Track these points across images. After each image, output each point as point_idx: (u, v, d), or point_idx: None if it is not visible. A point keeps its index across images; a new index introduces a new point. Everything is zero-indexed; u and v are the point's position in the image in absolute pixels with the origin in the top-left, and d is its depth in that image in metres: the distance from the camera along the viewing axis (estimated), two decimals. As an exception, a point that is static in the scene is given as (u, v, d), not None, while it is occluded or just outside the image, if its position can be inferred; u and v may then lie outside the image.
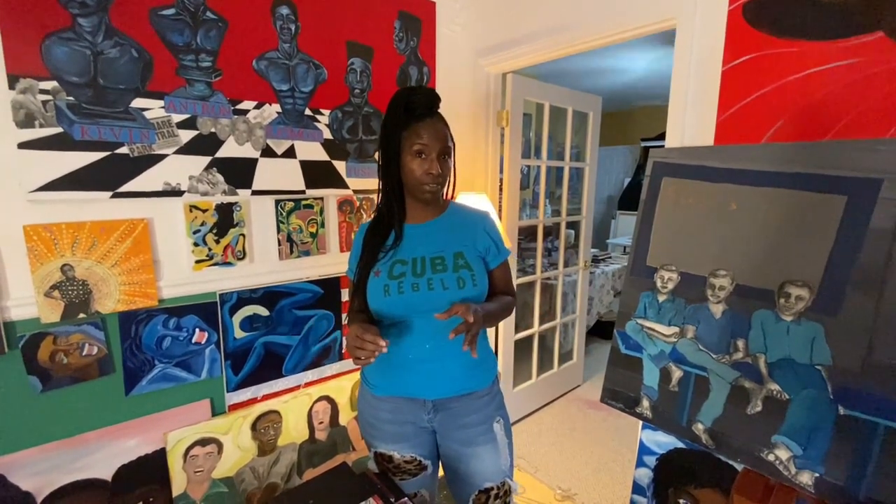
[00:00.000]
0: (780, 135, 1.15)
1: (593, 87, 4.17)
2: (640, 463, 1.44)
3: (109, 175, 1.24)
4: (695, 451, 1.31)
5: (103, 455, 1.30)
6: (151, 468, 1.38)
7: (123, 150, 1.25)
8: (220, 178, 1.42)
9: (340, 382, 1.76)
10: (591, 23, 1.59)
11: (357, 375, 1.80)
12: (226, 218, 1.45)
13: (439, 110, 1.01)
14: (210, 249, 1.43)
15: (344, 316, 1.74)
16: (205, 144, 1.39)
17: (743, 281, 1.07)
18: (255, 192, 1.49)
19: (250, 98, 1.46)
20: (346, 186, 1.71)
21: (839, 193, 0.94)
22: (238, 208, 1.47)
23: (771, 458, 0.99)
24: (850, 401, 0.90)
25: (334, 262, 1.71)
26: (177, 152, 1.34)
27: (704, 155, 1.16)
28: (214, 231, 1.43)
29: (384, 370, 1.05)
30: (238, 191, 1.46)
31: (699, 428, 1.11)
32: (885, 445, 0.86)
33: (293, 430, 1.64)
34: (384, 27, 1.75)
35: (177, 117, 1.33)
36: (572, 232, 3.13)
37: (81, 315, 1.23)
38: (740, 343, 1.06)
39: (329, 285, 1.69)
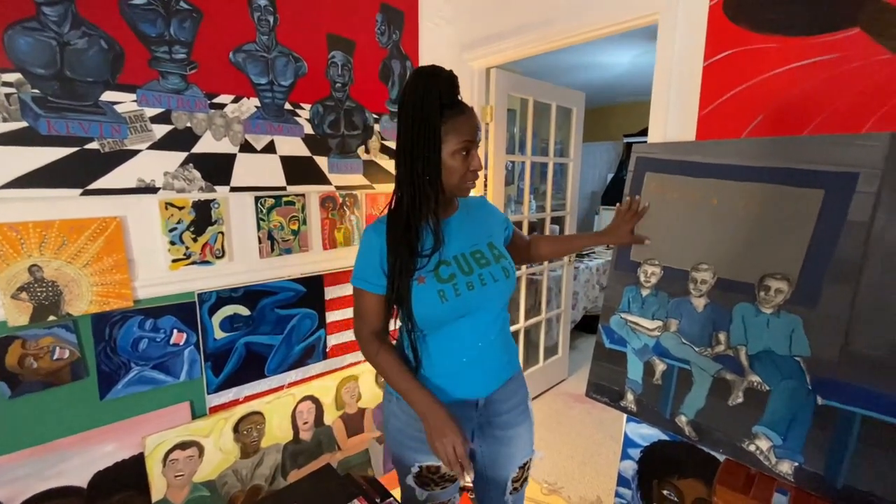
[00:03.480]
0: (760, 129, 1.16)
1: (577, 83, 4.18)
2: (624, 455, 1.45)
3: (79, 171, 1.19)
4: (678, 443, 1.32)
5: (78, 462, 1.26)
6: (129, 474, 1.34)
7: (93, 145, 1.20)
8: (197, 174, 1.38)
9: (325, 382, 1.73)
10: (575, 17, 1.58)
11: (344, 374, 1.78)
12: (203, 215, 1.41)
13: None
14: (187, 248, 1.39)
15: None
16: (180, 139, 1.34)
17: (724, 275, 1.08)
18: (233, 189, 1.45)
19: (227, 92, 1.41)
20: (328, 182, 1.68)
21: (817, 187, 0.96)
22: (216, 205, 1.43)
23: (752, 448, 1.00)
24: (828, 391, 0.92)
25: (317, 259, 1.68)
26: (150, 147, 1.29)
27: (686, 150, 1.17)
28: (192, 229, 1.39)
29: (436, 380, 0.96)
30: (216, 187, 1.42)
31: (682, 420, 1.12)
32: (862, 434, 0.88)
33: (277, 431, 1.61)
34: (366, 20, 1.72)
35: (150, 111, 1.28)
36: (557, 227, 3.14)
37: (52, 317, 1.18)
38: (722, 336, 1.07)
39: (312, 283, 1.66)
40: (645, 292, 1.21)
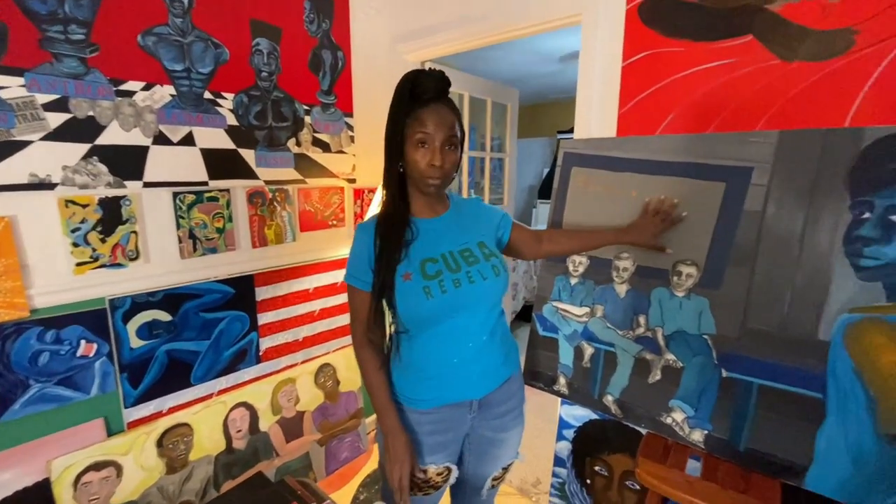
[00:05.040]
0: (671, 127, 1.26)
1: (511, 80, 4.28)
2: (560, 437, 1.52)
3: (-47, 165, 1.04)
4: (607, 421, 1.41)
5: (-33, 495, 1.11)
6: (33, 501, 1.20)
7: (-29, 135, 1.06)
8: (103, 168, 1.25)
9: (259, 387, 1.65)
10: (504, 14, 1.62)
11: (280, 377, 1.71)
12: (112, 214, 1.29)
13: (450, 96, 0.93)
14: (94, 250, 1.26)
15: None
16: (81, 130, 1.21)
17: (643, 262, 1.16)
18: (147, 185, 1.34)
19: (137, 78, 1.29)
20: (256, 177, 1.59)
21: (719, 180, 1.05)
22: (127, 203, 1.31)
23: (669, 420, 1.09)
24: (731, 364, 1.02)
25: (246, 258, 1.60)
26: (44, 139, 1.16)
27: (608, 146, 1.24)
28: (99, 229, 1.27)
29: (427, 382, 0.94)
30: (126, 183, 1.30)
31: (609, 399, 1.19)
32: (759, 401, 0.98)
33: (207, 442, 1.52)
34: (293, 7, 1.65)
35: (42, 98, 1.15)
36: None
37: (-76, 334, 1.03)
38: (641, 319, 1.15)
39: (241, 284, 1.57)
40: (573, 281, 1.27)
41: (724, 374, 1.03)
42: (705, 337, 1.06)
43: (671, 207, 1.10)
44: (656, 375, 1.12)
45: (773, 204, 0.99)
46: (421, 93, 0.87)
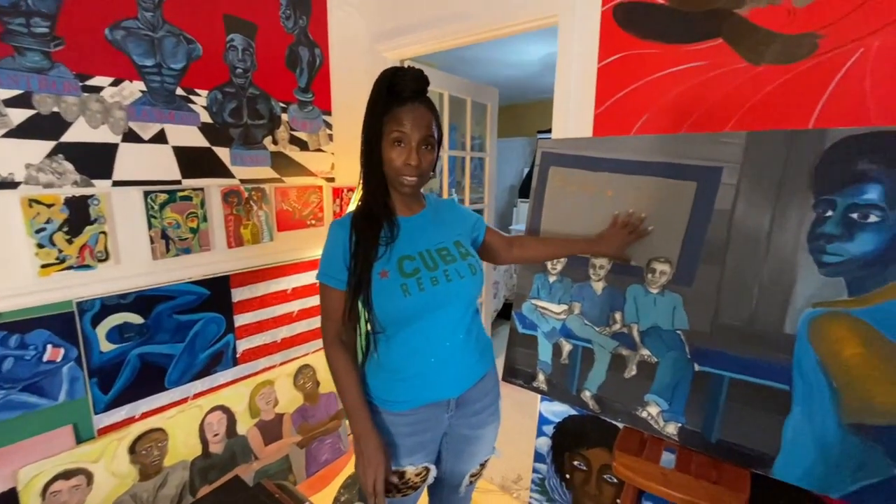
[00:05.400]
0: (645, 127, 1.28)
1: (492, 80, 4.30)
2: (539, 433, 1.54)
3: None
4: (585, 417, 1.43)
5: (-76, 508, 1.06)
6: (-3, 513, 1.16)
7: (-75, 131, 1.01)
8: (69, 166, 1.21)
9: (237, 389, 1.63)
10: (483, 14, 1.62)
11: (258, 379, 1.68)
12: (80, 213, 1.24)
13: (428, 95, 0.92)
14: (61, 251, 1.22)
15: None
16: (45, 127, 1.17)
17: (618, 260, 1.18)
18: (116, 183, 1.30)
19: (105, 73, 1.25)
20: (231, 176, 1.56)
21: (691, 180, 1.08)
22: (96, 202, 1.27)
23: (644, 414, 1.11)
24: (703, 358, 1.05)
25: (221, 259, 1.56)
26: (6, 136, 1.11)
27: (584, 145, 1.26)
28: (65, 229, 1.22)
29: (403, 384, 0.93)
30: (94, 181, 1.26)
31: (587, 395, 1.21)
32: (729, 394, 1.01)
33: (182, 447, 1.48)
34: (268, 2, 1.62)
35: (4, 93, 1.10)
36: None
37: None
38: (618, 315, 1.17)
39: (217, 285, 1.54)
40: (552, 279, 1.29)
41: (697, 368, 1.06)
42: (678, 332, 1.08)
43: (639, 221, 1.14)
44: (632, 371, 1.15)
45: (741, 203, 1.02)
46: (399, 91, 0.86)
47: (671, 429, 1.08)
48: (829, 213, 0.92)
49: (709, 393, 1.04)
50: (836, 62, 1.02)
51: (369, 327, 0.96)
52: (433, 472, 1.01)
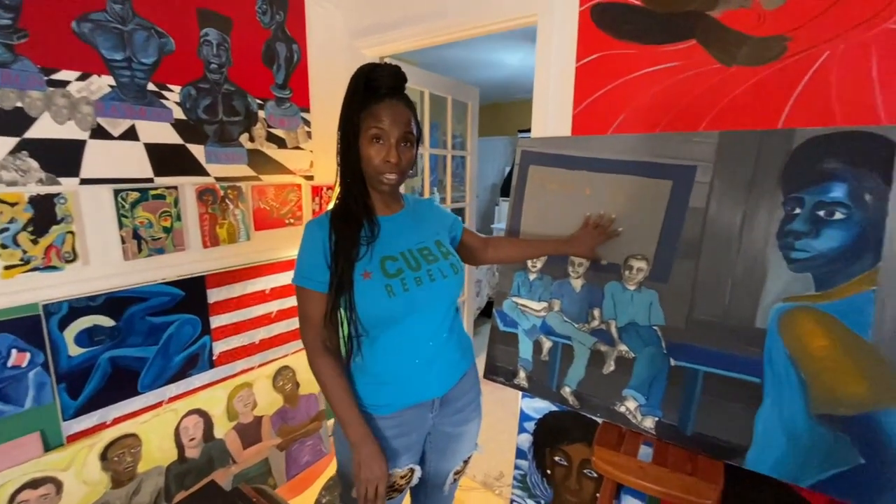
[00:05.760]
0: (622, 127, 1.30)
1: (472, 80, 4.31)
2: (521, 429, 1.55)
3: None
4: (565, 413, 1.45)
5: None
6: (-42, 527, 1.11)
7: None
8: (34, 163, 1.16)
9: (213, 392, 1.59)
10: (462, 12, 1.62)
11: (235, 382, 1.65)
12: (45, 213, 1.20)
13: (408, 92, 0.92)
14: (25, 252, 1.17)
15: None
16: (8, 122, 1.12)
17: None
18: (84, 181, 1.25)
19: (71, 67, 1.21)
20: (206, 174, 1.52)
21: (666, 178, 1.10)
22: (62, 201, 1.22)
23: (622, 409, 1.13)
24: (679, 353, 1.07)
25: (196, 259, 1.53)
26: (-36, 131, 1.06)
27: (563, 144, 1.27)
28: (30, 229, 1.17)
29: (389, 387, 0.92)
30: (61, 179, 1.21)
31: (566, 391, 1.22)
32: (704, 388, 1.04)
33: (157, 453, 1.44)
34: (244, -3, 1.58)
35: (-40, 86, 1.05)
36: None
37: None
38: (596, 312, 1.19)
39: (192, 286, 1.50)
40: (532, 277, 1.30)
41: (673, 363, 1.08)
42: (655, 328, 1.10)
43: (609, 223, 1.17)
44: (610, 366, 1.16)
45: (715, 201, 1.04)
46: (376, 87, 0.85)
47: (648, 423, 1.10)
48: (798, 210, 0.94)
49: (684, 387, 1.06)
50: (804, 64, 1.05)
51: (351, 330, 0.94)
52: (418, 473, 1.00)
